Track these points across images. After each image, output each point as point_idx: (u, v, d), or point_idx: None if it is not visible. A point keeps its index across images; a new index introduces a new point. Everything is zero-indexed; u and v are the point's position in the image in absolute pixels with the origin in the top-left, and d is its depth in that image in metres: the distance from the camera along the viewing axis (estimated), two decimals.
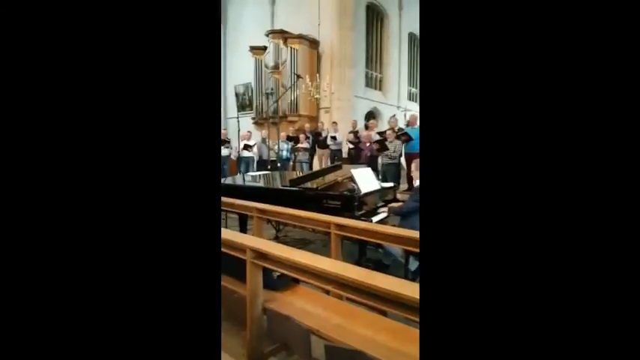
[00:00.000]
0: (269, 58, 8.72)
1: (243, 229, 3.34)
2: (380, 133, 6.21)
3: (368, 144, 6.06)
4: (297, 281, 1.79)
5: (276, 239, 3.61)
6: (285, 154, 6.94)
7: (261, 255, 1.60)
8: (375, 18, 10.71)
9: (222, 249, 1.78)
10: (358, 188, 2.73)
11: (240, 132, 6.48)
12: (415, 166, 2.77)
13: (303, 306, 1.63)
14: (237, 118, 6.95)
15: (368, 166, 3.63)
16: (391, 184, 3.55)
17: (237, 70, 10.38)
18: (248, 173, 5.54)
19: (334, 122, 7.34)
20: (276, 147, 6.83)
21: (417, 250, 1.90)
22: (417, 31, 11.76)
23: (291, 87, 7.77)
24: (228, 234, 1.90)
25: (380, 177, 5.13)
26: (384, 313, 1.47)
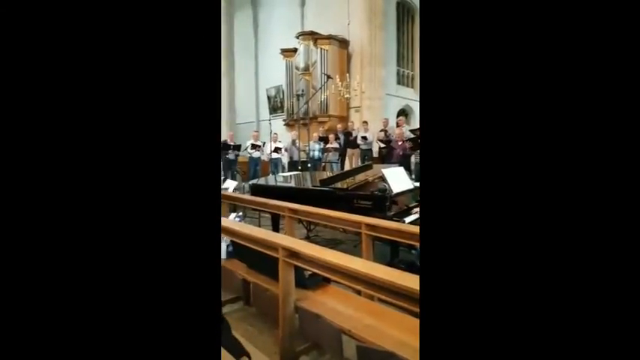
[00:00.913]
0: (299, 60, 8.82)
1: (275, 229, 3.41)
2: (413, 131, 6.07)
3: (400, 142, 5.95)
4: (328, 281, 1.80)
5: (308, 239, 3.64)
6: (317, 154, 6.98)
7: (293, 254, 1.63)
8: (405, 15, 10.49)
9: (256, 247, 1.83)
10: (390, 188, 2.69)
11: (271, 134, 6.62)
12: None
13: (335, 306, 1.64)
14: (269, 120, 7.11)
15: (400, 166, 3.57)
16: None
17: (269, 73, 10.60)
18: (279, 174, 5.64)
19: (364, 122, 7.27)
20: (306, 148, 6.90)
21: None
22: None
23: (321, 87, 7.82)
24: (262, 233, 1.95)
25: (413, 176, 5.01)
26: (416, 315, 1.44)
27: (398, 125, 6.56)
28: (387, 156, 6.26)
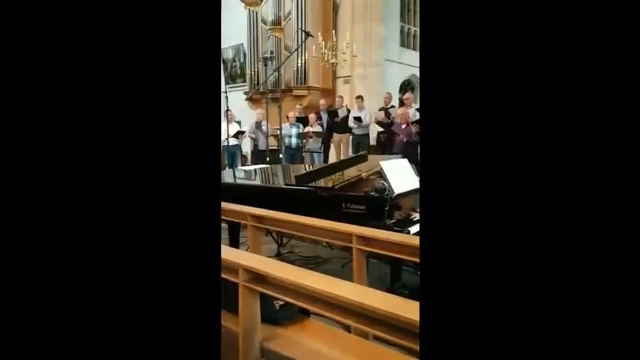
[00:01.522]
0: (267, 11, 8.78)
1: (234, 243, 3.40)
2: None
3: (404, 125, 6.04)
4: (306, 313, 1.82)
5: (279, 256, 3.65)
6: (294, 141, 6.94)
7: (258, 277, 1.63)
8: None
9: None
10: (390, 187, 2.73)
11: (227, 112, 6.54)
12: None
13: (315, 346, 1.66)
14: (225, 93, 7.02)
15: (404, 157, 3.62)
16: None
17: (226, 29, 10.46)
18: (240, 167, 5.60)
19: (359, 97, 7.30)
20: (277, 132, 6.86)
21: None
22: None
23: (297, 49, 7.80)
24: None
25: None
26: None
27: (404, 104, 6.61)
28: (388, 143, 6.34)
